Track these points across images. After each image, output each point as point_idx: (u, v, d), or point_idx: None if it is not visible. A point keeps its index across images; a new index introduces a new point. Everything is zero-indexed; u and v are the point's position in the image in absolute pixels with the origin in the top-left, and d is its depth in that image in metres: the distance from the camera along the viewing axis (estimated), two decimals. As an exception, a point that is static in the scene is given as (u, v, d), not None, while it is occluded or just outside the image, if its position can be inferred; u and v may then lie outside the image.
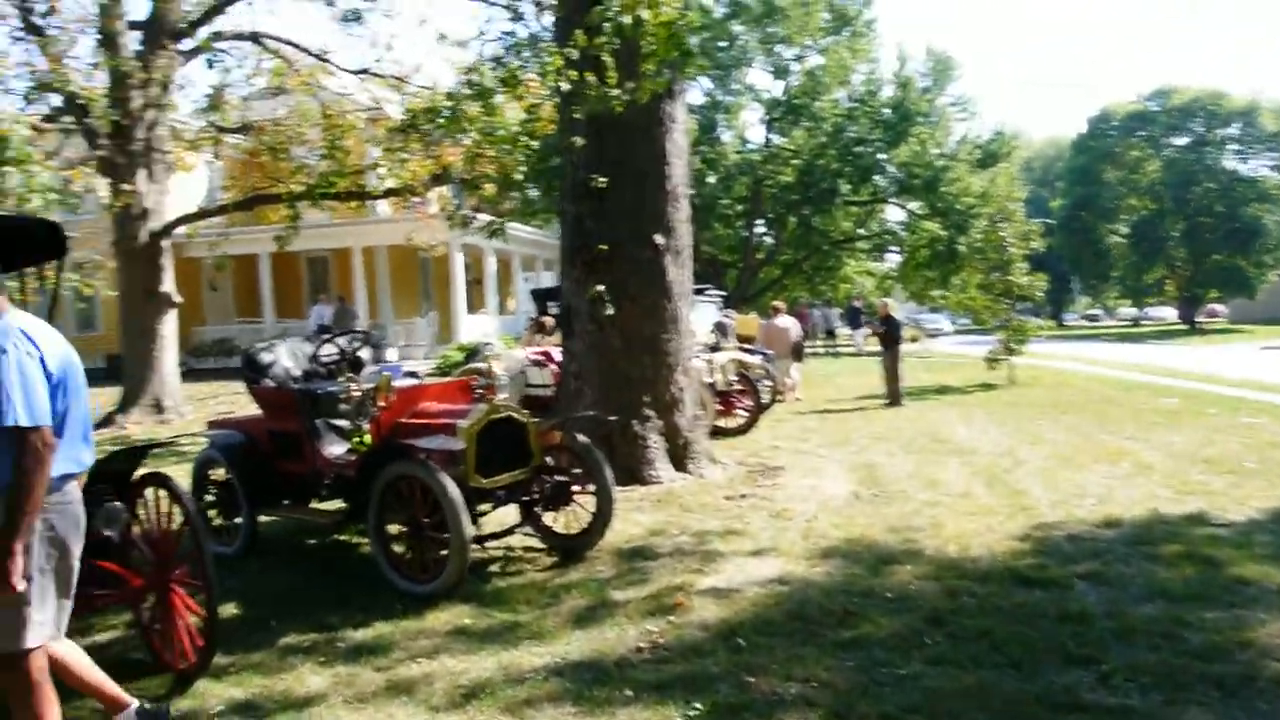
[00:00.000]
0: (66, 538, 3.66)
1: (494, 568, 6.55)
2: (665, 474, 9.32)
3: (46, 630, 3.58)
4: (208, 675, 4.69)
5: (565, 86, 9.56)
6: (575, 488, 6.83)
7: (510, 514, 6.97)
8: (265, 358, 7.47)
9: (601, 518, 6.72)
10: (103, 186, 14.53)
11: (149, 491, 4.80)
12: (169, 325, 17.35)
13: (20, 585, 3.35)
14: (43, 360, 3.50)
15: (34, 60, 15.03)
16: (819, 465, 10.26)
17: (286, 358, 7.61)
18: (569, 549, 6.79)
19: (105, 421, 16.58)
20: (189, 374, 21.65)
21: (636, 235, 9.63)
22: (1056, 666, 4.45)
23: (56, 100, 15.83)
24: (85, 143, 16.05)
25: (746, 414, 13.40)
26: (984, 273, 23.25)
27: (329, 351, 7.35)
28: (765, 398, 14.33)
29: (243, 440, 7.33)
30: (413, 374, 7.97)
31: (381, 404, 6.51)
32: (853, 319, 37.32)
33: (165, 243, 17.12)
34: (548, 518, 6.95)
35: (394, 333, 25.94)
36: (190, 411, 16.95)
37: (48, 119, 15.54)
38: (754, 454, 11.06)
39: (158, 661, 4.86)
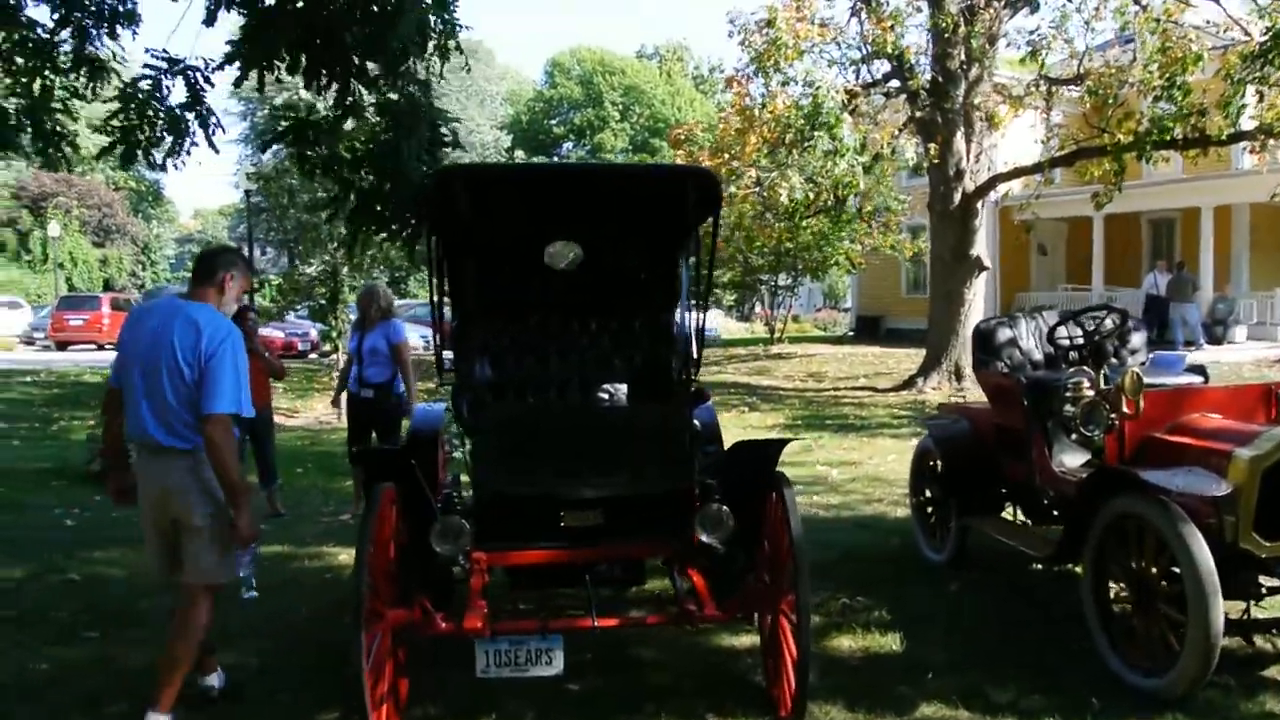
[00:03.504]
0: (143, 491, 3.99)
1: (1270, 672, 4.40)
2: None
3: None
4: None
5: None
6: None
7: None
8: (1001, 335, 6.16)
9: None
10: (910, 147, 14.34)
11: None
12: (977, 290, 16.72)
13: None
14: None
15: (863, 30, 15.47)
16: None
17: (1028, 337, 6.21)
18: None
19: (906, 384, 16.70)
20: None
21: None
22: None
23: (884, 66, 16.17)
24: (908, 106, 16.08)
25: None
26: None
27: (1069, 332, 5.75)
28: None
29: (964, 433, 6.17)
30: (1198, 369, 5.93)
31: (1126, 411, 4.78)
32: None
33: (980, 204, 16.45)
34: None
35: (1245, 308, 21.88)
36: (989, 381, 16.14)
37: (868, 86, 15.89)
38: None
39: (769, 693, 4.06)
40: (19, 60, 6.88)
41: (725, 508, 3.88)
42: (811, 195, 14.09)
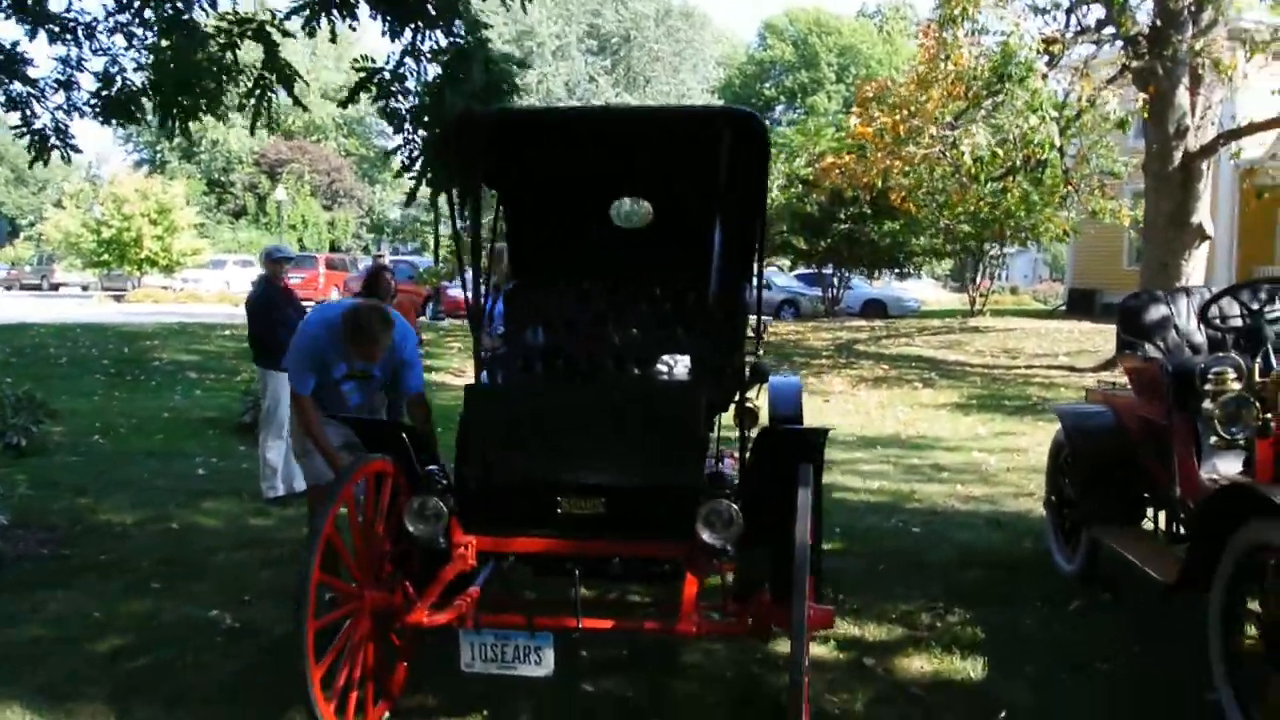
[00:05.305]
0: None
1: None
2: None
3: None
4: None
5: None
6: None
7: None
8: (1152, 313, 5.19)
9: None
10: (1113, 100, 12.79)
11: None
12: (1198, 262, 14.87)
13: None
14: None
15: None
16: None
17: (1189, 316, 5.21)
18: None
19: (1108, 364, 15.13)
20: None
21: None
22: None
23: (1098, 12, 14.57)
24: (1122, 55, 14.40)
25: None
26: None
27: (1226, 311, 4.74)
28: None
29: (1101, 425, 5.26)
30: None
31: (1288, 409, 3.83)
32: None
33: (1205, 165, 14.58)
34: None
35: None
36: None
37: (1078, 34, 14.31)
38: None
39: None
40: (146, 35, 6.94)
41: (733, 505, 3.32)
42: (1000, 155, 12.83)
